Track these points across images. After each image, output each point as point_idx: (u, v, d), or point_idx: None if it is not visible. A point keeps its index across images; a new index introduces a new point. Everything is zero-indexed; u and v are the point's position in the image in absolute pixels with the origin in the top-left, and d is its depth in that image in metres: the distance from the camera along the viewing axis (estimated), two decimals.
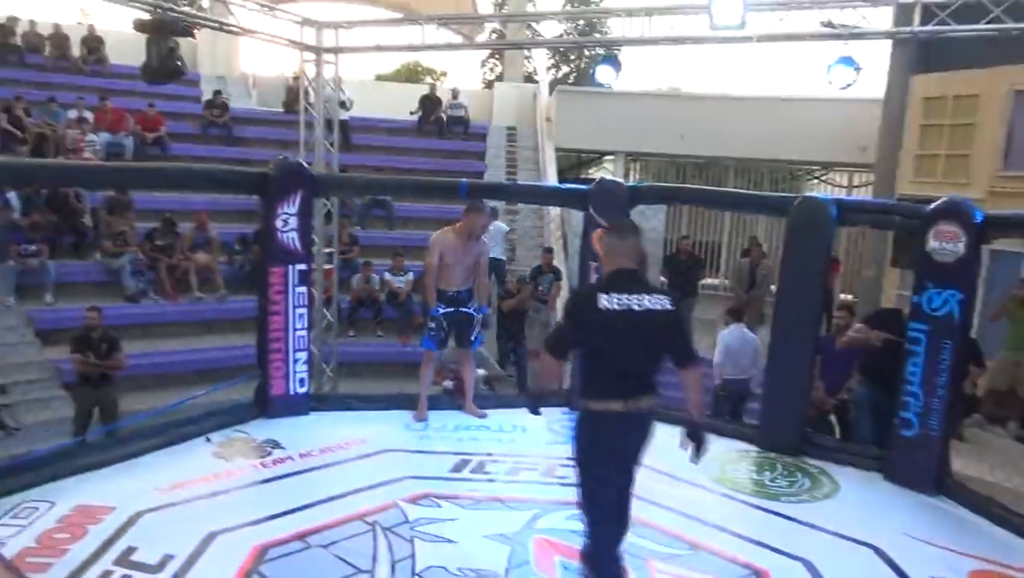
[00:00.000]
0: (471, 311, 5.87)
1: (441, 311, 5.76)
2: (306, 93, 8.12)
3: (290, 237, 5.68)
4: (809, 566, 4.01)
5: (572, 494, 4.60)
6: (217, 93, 13.77)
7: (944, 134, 9.96)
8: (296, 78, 12.05)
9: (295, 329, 5.76)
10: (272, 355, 5.71)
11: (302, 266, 5.79)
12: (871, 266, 11.31)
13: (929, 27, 5.61)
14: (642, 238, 3.60)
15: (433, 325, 5.78)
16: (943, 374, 4.97)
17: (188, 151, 12.31)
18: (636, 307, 3.22)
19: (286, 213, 5.65)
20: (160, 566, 3.64)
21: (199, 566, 3.67)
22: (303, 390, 5.89)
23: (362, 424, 5.73)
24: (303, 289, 5.80)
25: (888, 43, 10.46)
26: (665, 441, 5.62)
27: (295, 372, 5.81)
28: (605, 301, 3.22)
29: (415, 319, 9.73)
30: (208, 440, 5.24)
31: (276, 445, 5.22)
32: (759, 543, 4.25)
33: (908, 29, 5.86)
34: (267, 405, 5.74)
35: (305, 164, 6.26)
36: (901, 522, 4.64)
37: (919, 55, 10.39)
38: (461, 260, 5.70)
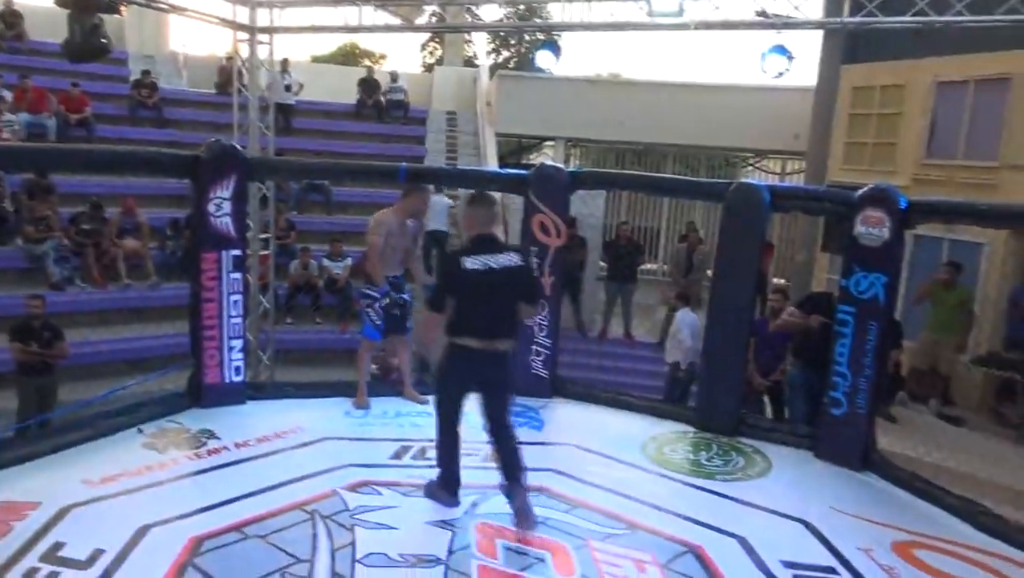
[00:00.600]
0: (406, 297, 5.80)
1: (381, 298, 5.63)
2: (240, 74, 7.91)
3: (223, 222, 5.53)
4: (742, 541, 4.12)
5: None
6: (146, 73, 13.30)
7: (872, 123, 10.28)
8: (230, 58, 11.74)
9: (230, 316, 5.61)
10: (206, 343, 5.56)
11: (236, 252, 5.64)
12: (803, 251, 11.65)
13: (858, 18, 5.77)
14: (497, 207, 4.48)
15: (373, 314, 5.70)
16: (869, 354, 5.16)
17: (116, 133, 11.88)
18: (494, 266, 4.05)
19: (219, 197, 5.49)
20: (90, 561, 3.52)
21: (131, 560, 3.57)
22: (239, 379, 5.76)
23: (300, 412, 5.63)
24: (238, 275, 5.66)
25: (819, 33, 10.74)
26: (603, 425, 5.73)
27: (230, 360, 5.67)
28: (469, 262, 4.03)
29: (354, 306, 9.61)
30: (140, 431, 5.09)
31: (211, 435, 5.09)
32: (695, 521, 4.34)
33: (838, 20, 6.02)
34: (201, 394, 5.60)
35: (239, 147, 6.10)
36: (829, 497, 4.80)
37: (849, 45, 10.69)
38: (400, 243, 5.62)
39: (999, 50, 8.28)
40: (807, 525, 4.39)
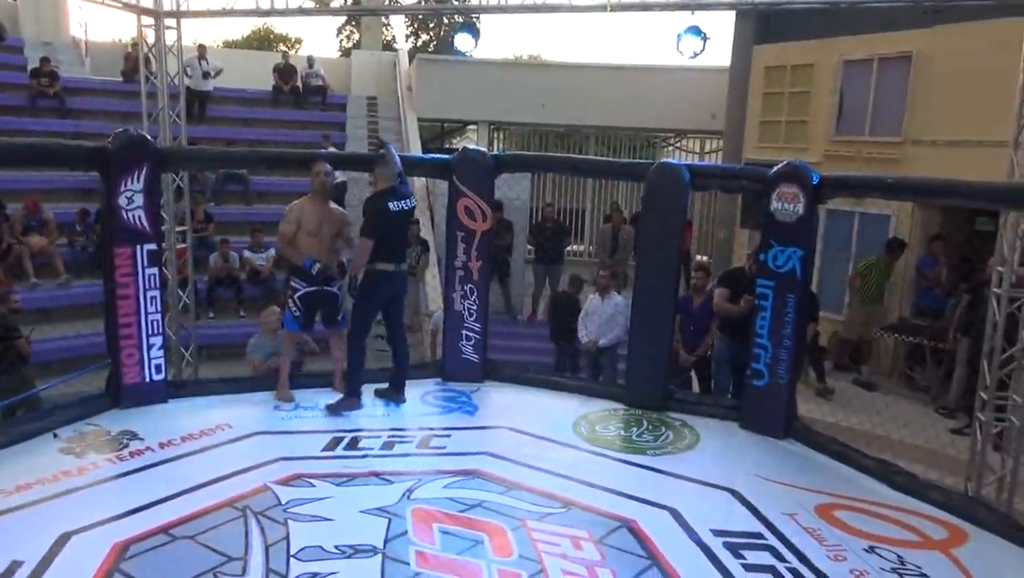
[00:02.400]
0: (335, 289, 5.68)
1: (303, 290, 5.52)
2: (147, 61, 7.57)
3: (136, 215, 5.31)
4: (674, 513, 4.24)
5: (452, 463, 4.71)
6: (45, 60, 12.60)
7: (784, 101, 10.59)
8: (135, 44, 11.25)
9: (147, 313, 5.41)
10: (123, 342, 5.35)
11: (151, 246, 5.42)
12: (723, 228, 11.95)
13: (767, 0, 5.92)
14: (397, 165, 5.40)
15: (293, 305, 5.56)
16: (788, 326, 5.35)
17: (14, 124, 11.23)
18: (405, 207, 5.34)
19: (130, 190, 5.27)
20: (8, 574, 3.36)
21: (53, 570, 3.42)
22: (160, 377, 5.57)
23: (227, 408, 5.50)
24: (154, 270, 5.45)
25: (732, 14, 10.98)
26: (536, 406, 5.78)
27: (150, 358, 5.47)
28: (392, 204, 5.23)
29: (278, 297, 9.38)
30: (55, 436, 4.87)
31: (133, 436, 4.91)
32: (628, 496, 4.44)
33: (750, 2, 6.16)
34: (120, 395, 5.39)
35: (149, 137, 5.86)
36: (755, 465, 4.99)
37: (761, 26, 10.96)
38: (321, 230, 5.46)
39: (901, 29, 8.64)
40: (735, 494, 4.54)
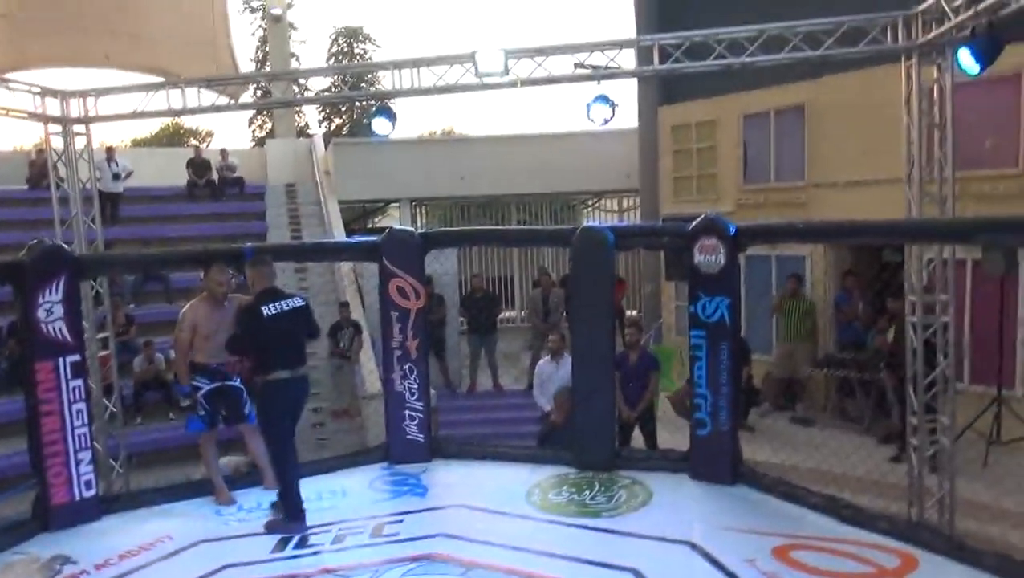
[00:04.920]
0: (236, 383, 5.46)
1: (206, 388, 5.32)
2: (55, 167, 7.40)
3: (56, 327, 5.12)
4: (636, 573, 4.23)
5: (407, 549, 4.59)
6: None
7: (693, 157, 11.08)
8: (40, 151, 11.00)
9: (74, 428, 5.16)
10: (49, 460, 5.07)
11: (75, 357, 5.22)
12: (649, 282, 12.25)
13: (667, 65, 6.24)
14: (272, 265, 5.25)
15: (197, 405, 5.33)
16: (724, 373, 5.49)
17: None
18: (285, 308, 4.99)
19: (49, 301, 5.09)
20: None
21: None
22: (91, 493, 5.29)
23: (165, 519, 5.25)
24: (78, 382, 5.23)
25: (635, 80, 11.50)
26: (486, 480, 5.72)
27: (79, 475, 5.20)
28: (266, 310, 4.92)
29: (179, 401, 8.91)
30: None
31: (66, 560, 4.62)
32: (588, 561, 4.41)
33: (650, 68, 6.47)
34: (49, 517, 5.08)
35: (65, 245, 5.70)
36: (709, 515, 5.04)
37: (662, 89, 11.52)
38: (218, 329, 5.28)
39: (792, 82, 9.21)
40: (693, 546, 4.57)
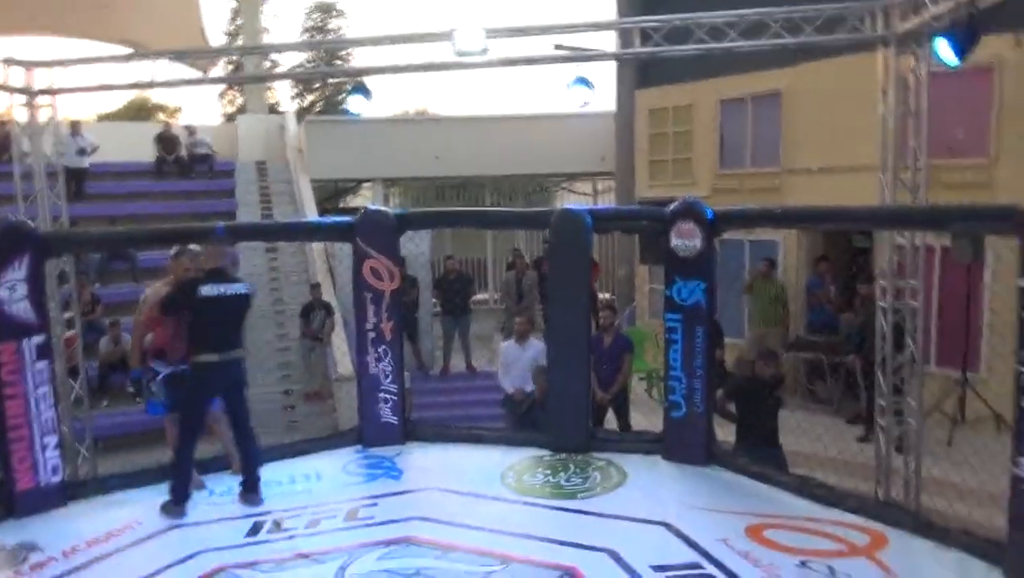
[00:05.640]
0: None
1: (164, 372, 5.21)
2: (18, 140, 7.18)
3: (20, 307, 4.99)
4: (612, 554, 4.25)
5: (382, 533, 4.57)
6: None
7: (669, 141, 11.09)
8: (4, 123, 10.68)
9: (39, 411, 5.04)
10: (13, 446, 4.94)
11: (39, 338, 5.10)
12: (624, 265, 12.29)
13: (647, 49, 6.20)
14: (224, 246, 5.31)
15: (156, 388, 5.23)
16: (699, 356, 5.53)
17: None
18: (226, 292, 4.93)
19: (12, 280, 4.96)
20: None
21: None
22: (56, 479, 5.18)
23: (134, 504, 5.15)
24: (43, 364, 5.11)
25: (613, 63, 11.46)
26: (461, 462, 5.71)
27: (45, 460, 5.08)
28: (204, 289, 4.85)
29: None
30: None
31: (33, 548, 4.51)
32: (564, 542, 4.43)
33: (631, 51, 6.43)
34: (13, 504, 4.96)
35: (28, 221, 5.55)
36: (683, 495, 5.09)
37: (641, 72, 11.50)
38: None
39: (770, 68, 9.24)
40: (668, 526, 4.61)
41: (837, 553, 4.26)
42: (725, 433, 6.24)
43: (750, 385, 5.93)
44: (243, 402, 5.21)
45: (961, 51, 4.76)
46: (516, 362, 7.37)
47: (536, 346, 7.39)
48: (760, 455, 5.62)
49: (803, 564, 4.09)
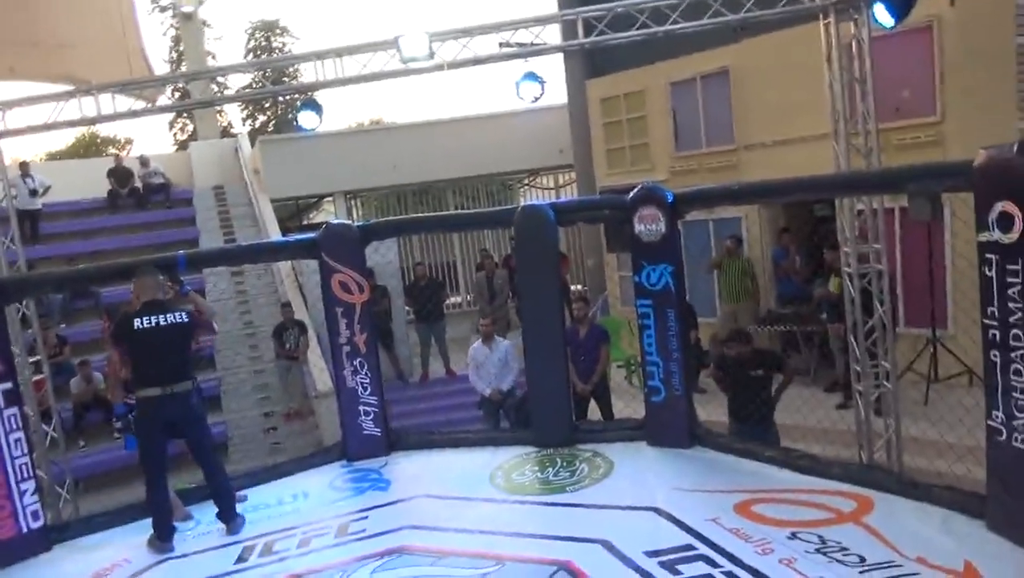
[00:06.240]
0: None
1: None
2: None
3: None
4: (605, 544, 4.27)
5: (375, 545, 4.54)
6: None
7: (624, 128, 11.13)
8: None
9: (13, 458, 4.96)
10: None
11: (6, 385, 5.01)
12: (592, 255, 12.33)
13: (591, 39, 6.23)
14: (157, 276, 5.14)
15: (130, 424, 5.26)
16: (673, 339, 5.57)
17: None
18: (161, 322, 4.81)
19: None
20: None
21: None
22: (38, 524, 5.09)
23: (121, 542, 5.09)
24: (13, 411, 5.03)
25: (561, 55, 11.48)
26: (448, 467, 5.70)
27: (24, 506, 5.00)
28: (137, 322, 4.80)
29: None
30: None
31: None
32: (557, 537, 4.44)
33: (576, 42, 6.45)
34: None
35: None
36: (670, 479, 5.13)
37: (589, 62, 11.53)
38: None
39: (716, 47, 9.32)
40: (658, 511, 4.64)
41: (826, 521, 4.32)
42: (708, 413, 6.32)
43: (730, 364, 5.98)
44: (201, 435, 5.10)
45: (897, 13, 4.84)
46: (485, 363, 7.41)
47: (503, 345, 7.43)
48: (751, 434, 5.68)
49: (794, 535, 4.14)
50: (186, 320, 4.98)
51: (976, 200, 3.90)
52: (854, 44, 5.64)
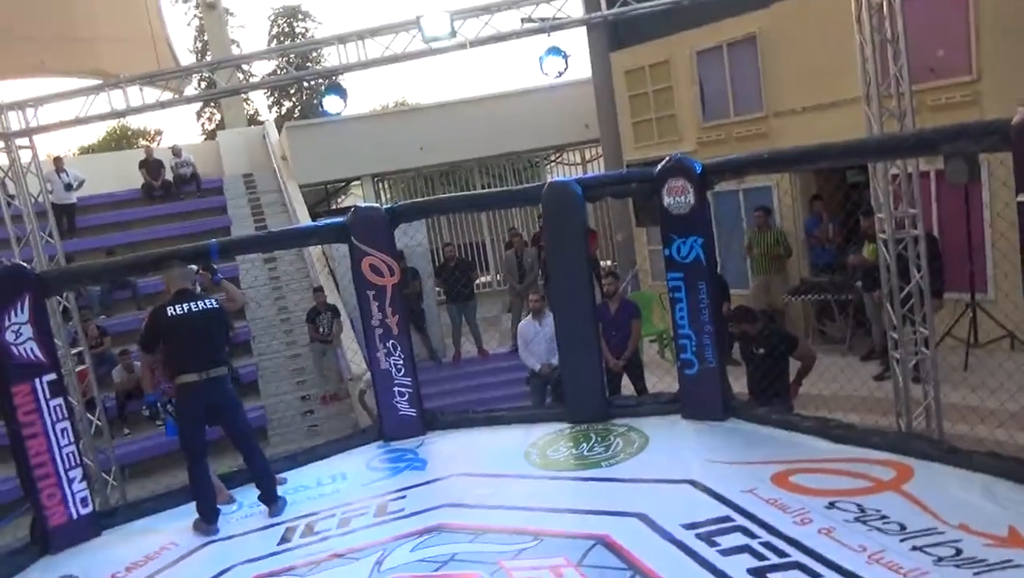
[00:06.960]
0: None
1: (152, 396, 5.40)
2: (3, 185, 7.19)
3: (27, 348, 5.02)
4: (642, 517, 4.27)
5: (414, 524, 4.61)
6: None
7: (650, 100, 11.00)
8: None
9: (61, 447, 5.09)
10: (41, 483, 5.01)
11: (51, 376, 5.13)
12: (620, 230, 12.25)
13: (614, 10, 6.16)
14: (185, 267, 5.27)
15: (170, 409, 5.33)
16: (705, 312, 5.52)
17: None
18: (192, 308, 4.95)
19: (15, 323, 4.98)
20: None
21: None
22: (87, 510, 5.23)
23: (166, 526, 5.22)
24: (59, 401, 5.15)
25: (584, 29, 11.35)
26: (483, 446, 5.73)
27: (73, 493, 5.14)
28: (171, 310, 4.94)
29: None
30: None
31: None
32: (594, 511, 4.45)
33: (599, 14, 6.39)
34: (48, 540, 5.03)
35: (24, 263, 5.56)
36: (705, 451, 5.10)
37: (612, 34, 11.39)
38: None
39: (743, 13, 9.14)
40: (694, 484, 4.62)
41: (865, 490, 4.26)
42: (742, 385, 6.28)
43: (737, 340, 5.94)
44: (238, 420, 5.20)
45: None
46: (535, 338, 7.38)
47: (552, 321, 7.40)
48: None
49: (832, 505, 4.09)
50: (216, 307, 5.11)
51: (1015, 159, 3.79)
52: (885, 3, 5.49)
